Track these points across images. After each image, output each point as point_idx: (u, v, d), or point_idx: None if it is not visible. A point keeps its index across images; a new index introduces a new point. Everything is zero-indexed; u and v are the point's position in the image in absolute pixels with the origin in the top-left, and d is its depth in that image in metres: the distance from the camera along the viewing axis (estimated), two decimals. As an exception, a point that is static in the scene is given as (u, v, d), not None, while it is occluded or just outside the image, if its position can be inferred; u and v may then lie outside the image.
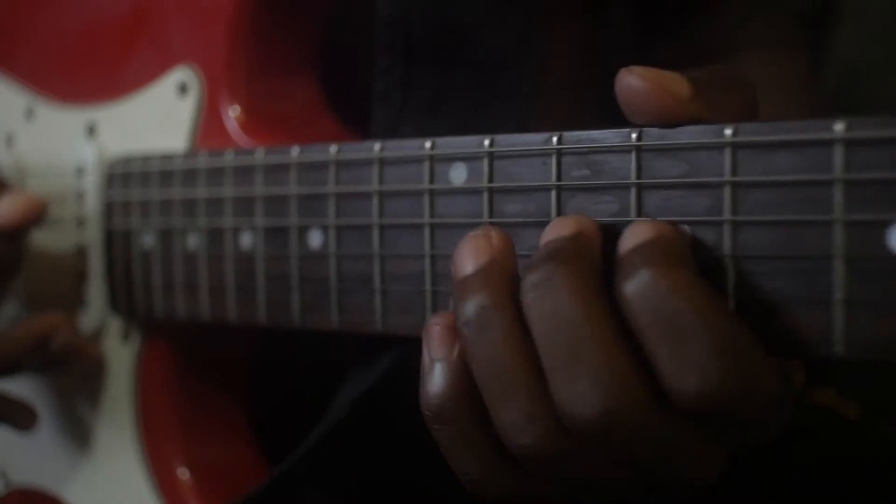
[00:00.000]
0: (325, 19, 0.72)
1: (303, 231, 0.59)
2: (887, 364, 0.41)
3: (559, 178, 0.48)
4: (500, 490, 0.47)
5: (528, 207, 0.49)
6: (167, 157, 0.69)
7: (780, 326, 0.42)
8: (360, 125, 0.68)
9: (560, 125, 0.49)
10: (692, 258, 0.43)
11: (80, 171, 0.76)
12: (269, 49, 0.71)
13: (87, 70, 0.79)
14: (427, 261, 0.53)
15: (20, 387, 0.78)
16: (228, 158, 0.64)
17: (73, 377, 0.78)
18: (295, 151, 0.60)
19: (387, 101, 0.65)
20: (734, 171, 0.43)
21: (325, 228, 0.58)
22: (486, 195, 0.51)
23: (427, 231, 0.53)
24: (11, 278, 0.75)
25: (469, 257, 0.46)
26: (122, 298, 0.73)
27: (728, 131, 0.43)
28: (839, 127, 0.40)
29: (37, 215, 0.72)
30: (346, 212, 0.57)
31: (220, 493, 0.71)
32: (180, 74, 0.72)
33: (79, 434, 0.78)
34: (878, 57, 0.93)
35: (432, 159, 0.53)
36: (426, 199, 0.53)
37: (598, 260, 0.44)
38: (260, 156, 0.62)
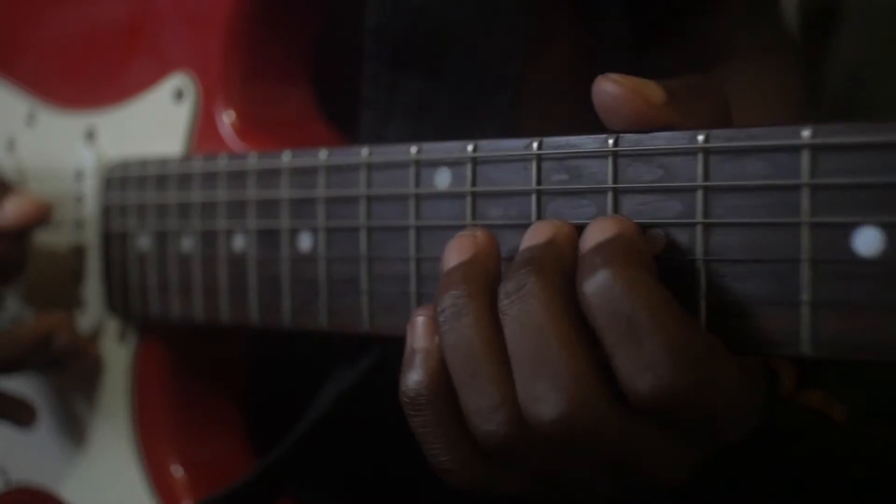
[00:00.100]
0: (317, 28, 0.73)
1: (294, 234, 0.60)
2: (865, 364, 0.41)
3: (539, 182, 0.49)
4: (472, 480, 0.48)
5: (509, 211, 0.50)
6: (163, 162, 0.70)
7: (750, 327, 0.43)
8: (351, 130, 0.69)
9: (546, 131, 0.50)
10: (651, 258, 0.44)
11: (79, 175, 0.77)
12: (264, 56, 0.71)
13: (87, 76, 0.80)
14: (412, 263, 0.54)
15: (19, 386, 0.79)
16: (222, 163, 0.65)
17: (71, 376, 0.78)
18: (286, 156, 0.61)
19: (374, 106, 0.66)
20: (706, 176, 0.44)
21: (314, 231, 0.59)
22: (469, 199, 0.52)
23: (412, 234, 0.54)
24: (14, 278, 0.76)
25: (454, 253, 0.48)
26: (119, 299, 0.74)
27: (700, 137, 0.44)
28: (806, 133, 0.41)
29: (41, 217, 0.73)
30: (335, 215, 0.58)
31: (213, 490, 0.72)
32: (177, 81, 0.72)
33: (76, 432, 0.79)
34: (879, 59, 0.92)
35: (418, 164, 0.54)
36: (412, 203, 0.54)
37: (569, 266, 0.45)
38: (253, 160, 0.63)
